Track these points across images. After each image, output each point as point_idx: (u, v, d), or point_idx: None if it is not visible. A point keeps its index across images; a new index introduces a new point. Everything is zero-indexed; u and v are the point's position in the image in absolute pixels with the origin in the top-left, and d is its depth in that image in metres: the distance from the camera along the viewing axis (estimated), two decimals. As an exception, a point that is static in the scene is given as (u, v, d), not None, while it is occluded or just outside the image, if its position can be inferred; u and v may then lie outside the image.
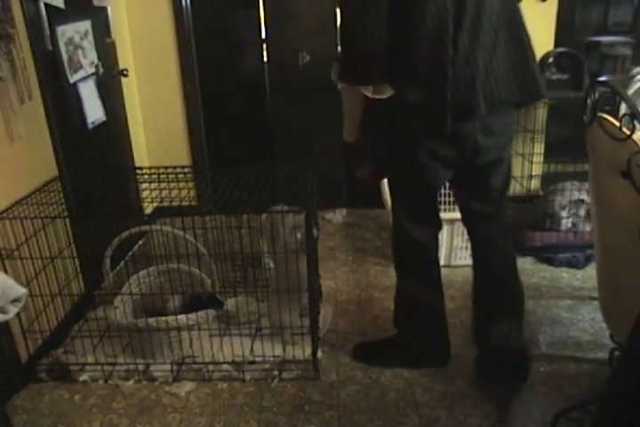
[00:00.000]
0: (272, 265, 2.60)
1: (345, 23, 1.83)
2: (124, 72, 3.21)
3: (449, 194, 3.12)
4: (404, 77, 1.82)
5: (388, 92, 1.86)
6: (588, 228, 3.05)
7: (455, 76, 1.75)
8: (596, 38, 3.20)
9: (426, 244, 2.12)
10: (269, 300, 2.38)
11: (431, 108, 1.80)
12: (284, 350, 2.30)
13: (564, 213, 3.10)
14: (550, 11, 3.36)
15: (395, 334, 2.33)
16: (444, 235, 2.92)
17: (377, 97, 1.89)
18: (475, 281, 2.20)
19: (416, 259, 2.16)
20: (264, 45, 3.55)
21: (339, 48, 1.89)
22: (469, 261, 2.24)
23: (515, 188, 3.42)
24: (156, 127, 3.61)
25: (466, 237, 2.44)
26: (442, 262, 2.86)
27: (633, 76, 2.62)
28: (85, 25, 2.78)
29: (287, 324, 2.31)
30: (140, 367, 2.27)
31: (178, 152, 3.63)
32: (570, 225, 3.11)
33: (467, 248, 2.96)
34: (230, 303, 2.51)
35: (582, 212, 3.07)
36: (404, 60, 1.77)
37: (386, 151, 2.02)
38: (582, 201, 3.06)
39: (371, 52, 1.75)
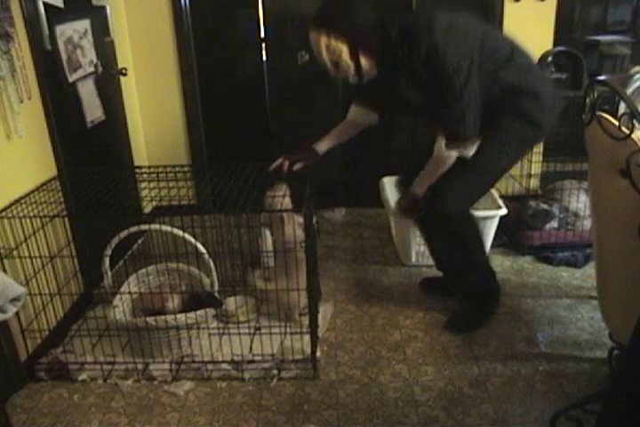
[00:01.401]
0: (271, 264, 2.61)
1: (457, 98, 2.09)
2: (123, 71, 3.20)
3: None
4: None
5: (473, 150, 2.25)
6: (582, 227, 3.06)
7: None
8: (595, 37, 3.20)
9: None
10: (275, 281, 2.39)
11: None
12: (286, 326, 2.30)
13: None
14: (549, 10, 3.36)
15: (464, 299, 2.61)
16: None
17: (467, 155, 2.24)
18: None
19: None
20: (263, 44, 3.55)
21: (444, 123, 2.18)
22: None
23: (514, 186, 3.43)
24: (155, 126, 3.61)
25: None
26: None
27: (632, 76, 2.62)
28: (84, 24, 2.78)
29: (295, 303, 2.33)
30: (139, 366, 2.27)
31: (177, 151, 3.63)
32: (556, 225, 3.13)
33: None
34: (229, 302, 2.51)
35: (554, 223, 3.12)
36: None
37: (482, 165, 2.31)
38: (547, 212, 3.12)
39: (478, 116, 2.15)
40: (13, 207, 2.17)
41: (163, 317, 2.21)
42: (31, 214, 2.17)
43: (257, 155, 2.57)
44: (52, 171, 2.50)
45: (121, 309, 2.29)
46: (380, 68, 2.18)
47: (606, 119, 1.58)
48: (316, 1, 3.47)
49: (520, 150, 2.37)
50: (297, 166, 2.45)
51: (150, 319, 2.19)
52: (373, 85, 2.28)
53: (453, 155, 2.21)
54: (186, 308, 2.32)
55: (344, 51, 2.09)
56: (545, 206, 3.14)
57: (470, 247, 2.48)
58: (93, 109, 2.85)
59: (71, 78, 2.64)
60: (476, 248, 2.50)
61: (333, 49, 2.09)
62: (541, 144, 3.25)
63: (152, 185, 2.48)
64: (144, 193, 2.45)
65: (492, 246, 3.07)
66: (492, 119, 2.22)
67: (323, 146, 2.54)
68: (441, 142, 2.19)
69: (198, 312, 2.24)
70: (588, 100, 1.70)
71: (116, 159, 3.27)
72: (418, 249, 3.00)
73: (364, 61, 2.13)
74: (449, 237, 2.45)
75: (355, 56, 2.11)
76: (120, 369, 2.27)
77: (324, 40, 2.08)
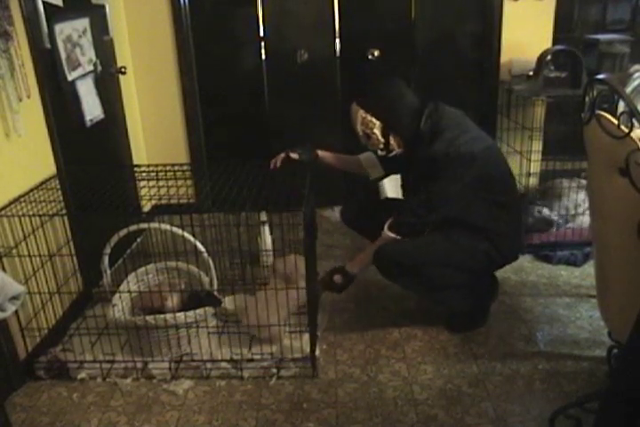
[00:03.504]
0: (270, 263, 2.61)
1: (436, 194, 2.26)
2: (123, 70, 3.20)
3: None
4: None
5: None
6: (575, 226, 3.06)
7: None
8: (595, 36, 3.19)
9: None
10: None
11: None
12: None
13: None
14: (548, 8, 3.36)
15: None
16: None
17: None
18: None
19: None
20: (262, 43, 3.55)
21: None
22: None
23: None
24: (155, 125, 3.61)
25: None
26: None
27: (631, 74, 2.62)
28: (83, 23, 2.78)
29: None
30: (139, 365, 2.27)
31: (176, 150, 3.63)
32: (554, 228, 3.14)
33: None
34: (228, 301, 2.51)
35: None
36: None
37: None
38: (546, 220, 3.13)
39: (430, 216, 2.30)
40: (13, 206, 2.17)
41: (162, 315, 2.21)
42: (30, 213, 2.17)
43: (256, 153, 2.57)
44: (51, 169, 2.50)
45: (120, 307, 2.29)
46: (405, 147, 2.39)
47: (605, 118, 1.57)
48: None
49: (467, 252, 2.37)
50: (293, 155, 2.56)
51: (149, 318, 2.19)
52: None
53: (391, 237, 2.31)
54: (185, 306, 2.32)
55: (377, 128, 2.33)
56: (545, 212, 3.14)
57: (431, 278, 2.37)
58: (92, 108, 2.85)
59: (70, 77, 2.64)
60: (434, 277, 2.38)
61: (367, 123, 2.33)
62: (541, 143, 3.26)
63: (151, 184, 2.48)
64: (143, 192, 2.45)
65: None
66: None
67: (324, 153, 2.65)
68: (388, 222, 2.32)
69: (197, 311, 2.24)
70: (587, 99, 1.70)
71: (116, 158, 3.27)
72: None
73: (392, 140, 2.36)
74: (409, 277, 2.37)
75: (386, 134, 2.35)
76: (119, 368, 2.27)
77: (360, 114, 2.33)
